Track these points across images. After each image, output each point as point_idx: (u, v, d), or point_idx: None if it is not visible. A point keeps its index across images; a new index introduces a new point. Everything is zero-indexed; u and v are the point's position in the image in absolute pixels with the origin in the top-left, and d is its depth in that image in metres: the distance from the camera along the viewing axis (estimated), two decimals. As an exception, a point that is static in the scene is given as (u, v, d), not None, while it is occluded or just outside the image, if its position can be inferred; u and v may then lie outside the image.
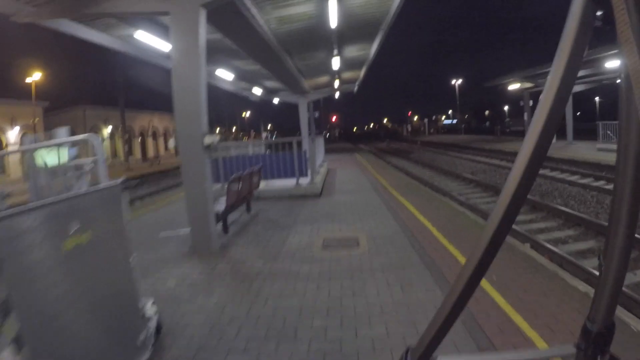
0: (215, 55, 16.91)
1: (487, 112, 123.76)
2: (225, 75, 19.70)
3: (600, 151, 23.73)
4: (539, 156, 0.61)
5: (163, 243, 8.31)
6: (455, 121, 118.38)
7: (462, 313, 0.72)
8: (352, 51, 19.00)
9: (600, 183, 15.40)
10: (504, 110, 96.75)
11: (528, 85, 37.24)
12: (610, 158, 19.66)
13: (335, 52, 17.08)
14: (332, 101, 74.29)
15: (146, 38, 11.64)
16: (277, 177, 13.31)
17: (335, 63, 18.62)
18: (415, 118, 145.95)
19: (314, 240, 7.87)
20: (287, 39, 14.76)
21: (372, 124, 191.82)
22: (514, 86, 39.27)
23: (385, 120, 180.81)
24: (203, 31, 7.07)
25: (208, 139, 6.71)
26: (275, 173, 13.29)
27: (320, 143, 18.17)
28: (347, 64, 21.40)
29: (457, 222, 8.85)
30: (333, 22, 11.95)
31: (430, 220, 9.01)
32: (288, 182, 13.17)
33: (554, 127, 0.60)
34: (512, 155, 27.54)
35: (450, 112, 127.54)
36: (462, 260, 6.30)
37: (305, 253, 7.09)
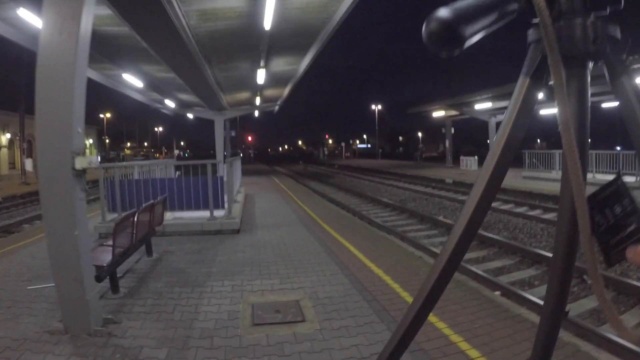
0: (123, 55, 14.29)
1: (401, 138, 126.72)
2: (133, 81, 17.00)
3: (526, 179, 23.82)
4: (493, 189, 0.70)
5: (29, 303, 5.79)
6: (369, 146, 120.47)
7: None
8: (280, 64, 17.02)
9: (537, 212, 15.17)
10: (417, 137, 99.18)
11: (453, 112, 37.43)
12: (540, 186, 19.92)
13: (262, 63, 15.00)
14: (247, 120, 72.03)
15: (32, 19, 9.12)
16: (186, 208, 10.77)
17: (261, 77, 16.50)
18: (331, 141, 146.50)
19: (238, 307, 5.58)
20: (208, 42, 12.52)
21: (286, 146, 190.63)
22: (438, 113, 39.34)
23: (299, 143, 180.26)
24: (90, 6, 4.71)
25: (81, 161, 4.33)
26: (184, 203, 10.72)
27: (238, 166, 15.68)
28: (272, 79, 19.36)
29: (422, 274, 6.93)
30: (267, 21, 9.85)
31: (386, 270, 7.06)
32: (200, 214, 10.70)
33: (506, 168, 0.71)
34: (438, 182, 26.98)
35: (365, 137, 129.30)
36: (464, 347, 4.34)
37: (229, 334, 4.78)
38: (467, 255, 9.93)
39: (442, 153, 74.12)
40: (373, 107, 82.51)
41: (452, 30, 0.63)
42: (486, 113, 33.03)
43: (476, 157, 36.13)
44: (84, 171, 4.45)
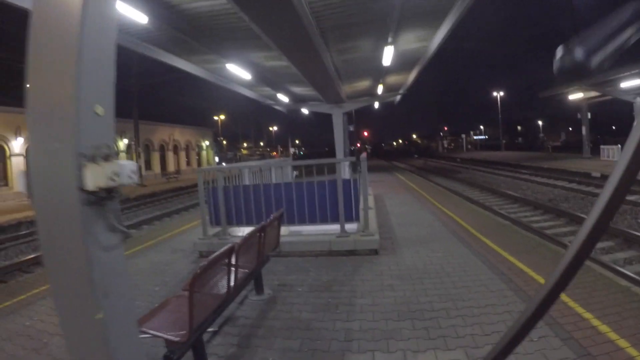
0: (225, 41, 12.42)
1: (519, 128, 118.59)
2: (240, 73, 15.17)
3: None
4: (629, 181, 0.63)
5: None
6: (486, 137, 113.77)
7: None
8: (409, 40, 14.27)
9: None
10: (537, 126, 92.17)
11: (592, 94, 32.24)
12: None
13: (390, 38, 12.32)
14: (362, 114, 69.52)
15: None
16: (309, 221, 8.28)
17: (387, 56, 13.77)
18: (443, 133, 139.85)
19: None
20: (326, 14, 10.20)
21: (400, 140, 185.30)
22: (575, 95, 34.13)
23: (414, 136, 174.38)
24: None
25: (95, 174, 2.06)
26: (306, 215, 8.23)
27: (365, 165, 12.83)
28: (399, 61, 16.54)
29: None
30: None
31: (615, 327, 4.11)
32: (325, 227, 8.32)
33: None
34: (583, 177, 22.92)
35: (482, 127, 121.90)
36: None
37: None
38: None
39: (565, 142, 67.77)
40: (493, 94, 75.79)
41: (584, 68, 0.63)
42: (632, 92, 27.54)
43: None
44: (109, 192, 2.16)
